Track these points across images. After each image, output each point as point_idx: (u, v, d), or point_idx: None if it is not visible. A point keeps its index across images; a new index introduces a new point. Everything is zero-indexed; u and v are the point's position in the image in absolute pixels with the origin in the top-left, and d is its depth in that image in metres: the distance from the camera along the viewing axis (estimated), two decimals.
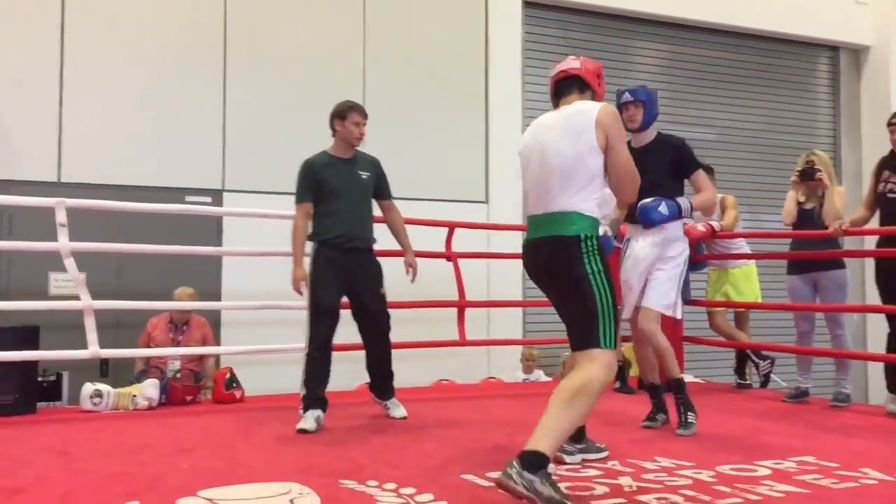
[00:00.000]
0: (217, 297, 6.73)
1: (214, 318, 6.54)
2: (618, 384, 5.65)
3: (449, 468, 3.25)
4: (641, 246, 4.29)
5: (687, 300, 5.72)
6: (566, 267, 3.02)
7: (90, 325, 4.88)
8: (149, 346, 5.73)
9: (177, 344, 5.73)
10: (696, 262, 5.76)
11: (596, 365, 2.88)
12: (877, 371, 7.39)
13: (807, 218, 5.37)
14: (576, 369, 2.92)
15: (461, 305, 5.90)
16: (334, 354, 4.40)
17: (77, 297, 4.95)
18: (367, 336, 4.51)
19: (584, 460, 3.41)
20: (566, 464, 3.32)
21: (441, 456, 3.50)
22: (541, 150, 3.19)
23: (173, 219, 6.03)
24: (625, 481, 3.05)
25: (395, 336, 4.87)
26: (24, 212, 5.50)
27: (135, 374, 5.64)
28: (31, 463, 3.39)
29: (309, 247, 4.41)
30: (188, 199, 6.77)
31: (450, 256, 5.96)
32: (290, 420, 4.21)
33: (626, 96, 4.36)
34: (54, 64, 6.65)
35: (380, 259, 4.59)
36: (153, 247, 5.46)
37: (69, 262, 4.86)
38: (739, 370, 6.27)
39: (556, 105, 3.37)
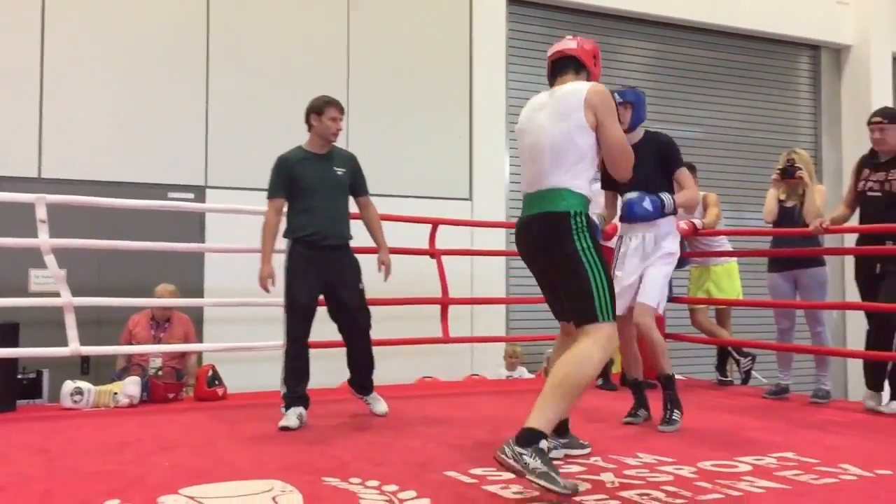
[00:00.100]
0: (200, 294, 6.70)
1: (197, 315, 6.51)
2: (600, 381, 5.67)
3: (432, 465, 3.25)
4: (635, 245, 4.31)
5: (669, 297, 5.75)
6: (556, 243, 3.08)
7: (71, 322, 4.84)
8: (130, 344, 5.70)
9: (158, 341, 5.69)
10: (678, 260, 5.79)
11: (591, 340, 2.95)
12: (856, 368, 7.48)
13: (787, 216, 5.41)
14: (574, 345, 2.98)
15: (445, 303, 5.90)
16: (317, 352, 4.40)
17: (57, 294, 4.91)
18: (346, 333, 4.46)
19: (566, 456, 3.42)
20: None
21: (424, 453, 3.50)
22: (533, 129, 3.27)
23: (155, 215, 5.99)
24: (607, 477, 3.07)
25: (378, 333, 4.85)
26: (4, 208, 5.44)
27: (116, 371, 5.60)
28: (10, 461, 3.36)
29: (285, 244, 4.36)
30: (170, 195, 6.74)
31: (433, 253, 5.96)
32: (273, 418, 4.20)
33: (616, 97, 4.36)
34: (34, 58, 6.58)
35: (361, 256, 4.57)
36: (135, 243, 5.42)
37: (49, 259, 4.82)
38: (721, 367, 6.32)
39: (552, 85, 3.39)
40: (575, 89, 3.19)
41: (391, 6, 7.81)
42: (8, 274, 6.21)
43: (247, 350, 5.71)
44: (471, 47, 8.07)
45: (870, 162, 4.93)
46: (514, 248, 8.28)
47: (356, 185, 4.53)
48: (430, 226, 6.04)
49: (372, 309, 4.54)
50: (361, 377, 4.57)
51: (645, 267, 4.27)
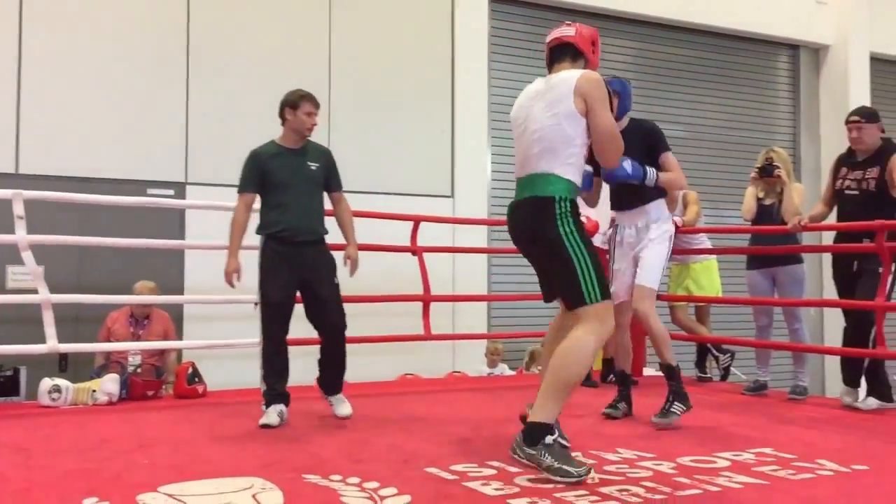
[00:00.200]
0: (180, 291, 6.66)
1: (177, 313, 6.47)
2: None
3: (413, 462, 3.25)
4: (629, 234, 4.31)
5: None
6: (541, 227, 3.14)
7: (48, 319, 4.80)
8: (109, 341, 5.65)
9: (137, 338, 5.65)
10: None
11: (583, 327, 3.04)
12: (833, 364, 7.54)
13: (766, 213, 5.46)
14: (569, 334, 3.08)
15: (426, 300, 5.90)
16: (297, 349, 4.37)
17: (35, 291, 4.86)
18: (322, 331, 4.33)
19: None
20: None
21: (405, 450, 3.50)
22: (525, 116, 3.31)
23: (135, 212, 5.95)
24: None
25: (360, 330, 4.84)
26: None
27: (94, 369, 5.56)
28: None
29: (258, 241, 4.29)
30: (150, 191, 6.69)
31: (415, 251, 5.96)
32: (253, 415, 4.18)
33: None
34: (12, 53, 6.51)
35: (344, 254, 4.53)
36: (114, 240, 5.38)
37: (27, 256, 4.78)
38: (700, 364, 6.36)
39: (550, 72, 3.41)
40: (567, 77, 3.22)
41: (373, 4, 7.79)
42: None
43: (227, 347, 5.69)
44: (453, 45, 8.08)
45: (847, 160, 4.98)
46: (495, 245, 8.36)
47: (330, 180, 4.43)
48: (411, 223, 6.04)
49: (354, 306, 4.51)
50: (332, 376, 4.42)
51: (638, 251, 4.24)
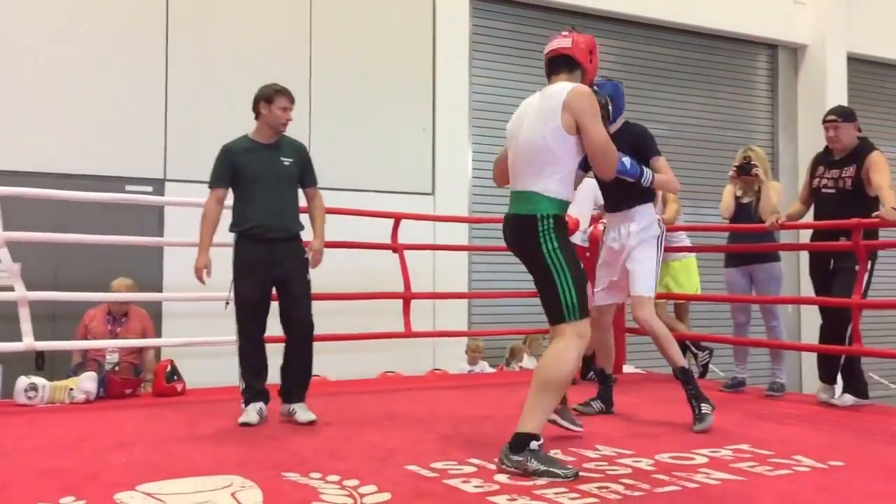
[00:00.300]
0: (158, 289, 6.61)
1: (156, 310, 6.42)
2: None
3: (393, 459, 3.25)
4: (614, 236, 4.30)
5: None
6: (524, 244, 3.21)
7: (25, 316, 4.75)
8: (86, 339, 5.61)
9: (115, 336, 5.61)
10: None
11: (563, 342, 3.12)
12: (810, 361, 7.63)
13: (744, 212, 5.50)
14: (549, 346, 3.18)
15: (407, 297, 5.90)
16: (277, 347, 4.33)
17: (11, 288, 4.81)
18: (288, 326, 4.21)
19: (555, 423, 3.61)
20: None
21: (385, 447, 3.50)
22: (518, 129, 3.32)
23: (113, 208, 5.90)
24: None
25: (340, 328, 4.84)
26: None
27: (72, 367, 5.50)
28: None
29: (232, 238, 4.22)
30: (128, 188, 6.63)
31: (396, 248, 5.95)
32: (233, 413, 4.16)
33: (593, 88, 4.37)
34: None
35: (326, 251, 4.50)
36: (91, 237, 5.33)
37: (3, 253, 4.72)
38: None
39: (549, 82, 3.40)
40: (556, 91, 3.21)
41: (354, 1, 7.76)
42: None
43: (205, 345, 5.65)
44: (434, 42, 8.06)
45: (824, 159, 5.02)
46: (476, 243, 8.35)
47: (304, 176, 4.34)
48: (392, 220, 6.03)
49: (335, 303, 4.48)
50: (298, 381, 4.23)
51: (628, 258, 4.22)
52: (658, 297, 6.20)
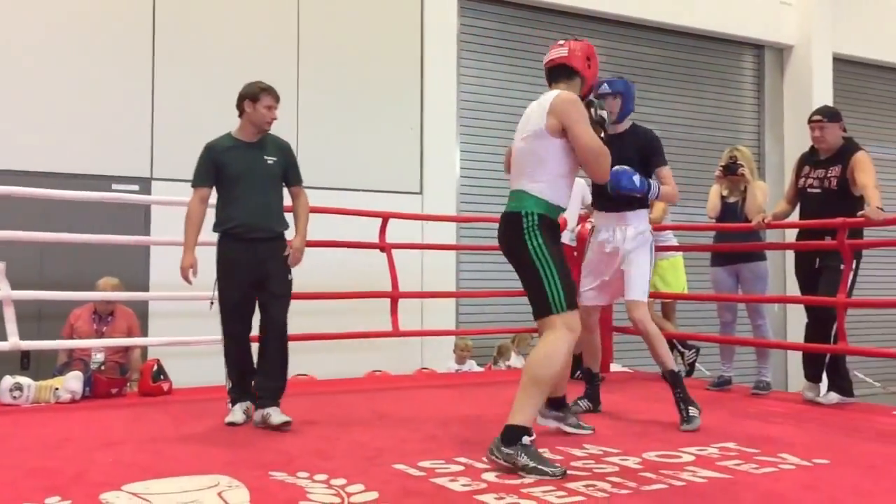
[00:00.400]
0: (145, 288, 6.58)
1: (142, 310, 6.39)
2: None
3: (381, 458, 3.25)
4: (607, 237, 4.29)
5: None
6: (511, 241, 3.31)
7: (10, 315, 4.72)
8: (72, 338, 5.57)
9: (101, 335, 5.58)
10: None
11: (553, 334, 3.17)
12: (796, 360, 7.67)
13: (730, 211, 5.53)
14: (539, 341, 3.22)
15: (395, 296, 5.89)
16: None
17: None
18: (262, 325, 4.11)
19: (558, 429, 3.71)
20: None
21: (373, 447, 3.50)
22: (519, 132, 3.48)
23: (100, 207, 5.86)
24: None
25: (328, 327, 4.81)
26: None
27: (57, 366, 5.47)
28: None
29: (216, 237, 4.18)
30: (115, 187, 6.60)
31: (384, 247, 5.95)
32: (219, 413, 4.15)
33: (605, 87, 4.36)
34: None
35: (313, 250, 4.49)
36: (77, 236, 5.30)
37: None
38: None
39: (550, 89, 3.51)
40: (548, 97, 3.35)
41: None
42: None
43: (192, 344, 5.63)
44: (422, 41, 8.06)
45: (810, 159, 5.05)
46: (464, 242, 8.36)
47: (289, 174, 4.28)
48: (380, 219, 6.02)
49: (322, 302, 4.45)
50: (270, 381, 4.07)
51: (624, 260, 4.23)
52: None
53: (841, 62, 10.49)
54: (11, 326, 4.71)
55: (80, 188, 5.60)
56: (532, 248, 3.23)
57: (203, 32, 7.13)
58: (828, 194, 4.86)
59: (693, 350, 6.32)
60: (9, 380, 4.77)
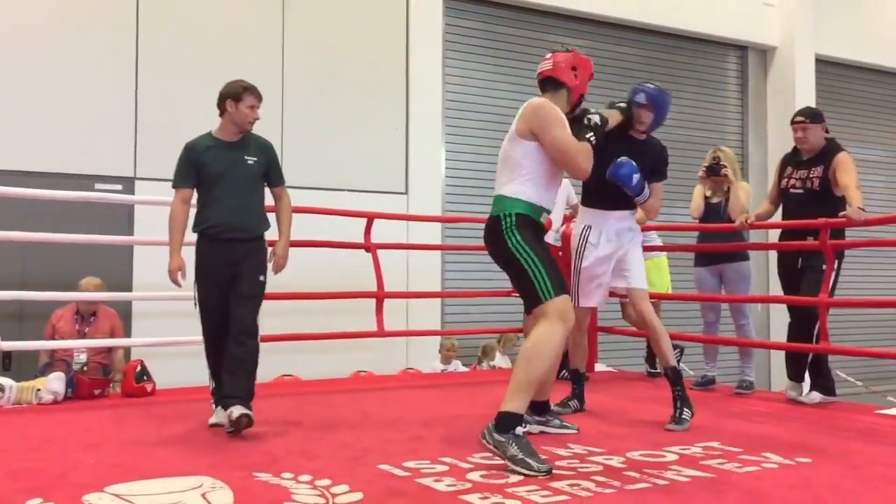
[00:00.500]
0: (128, 288, 6.54)
1: (125, 310, 6.36)
2: None
3: (365, 459, 3.25)
4: (608, 236, 4.30)
5: None
6: (495, 243, 3.42)
7: None
8: (53, 339, 5.53)
9: (83, 336, 5.55)
10: None
11: (546, 322, 3.21)
12: (779, 359, 7.72)
13: (713, 212, 5.56)
14: (533, 329, 3.26)
15: (380, 296, 5.89)
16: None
17: None
18: (232, 322, 3.98)
19: (542, 433, 3.71)
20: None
21: (358, 447, 3.49)
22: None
23: (82, 207, 5.82)
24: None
25: (313, 326, 4.78)
26: None
27: (39, 367, 5.43)
28: None
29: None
30: (98, 186, 6.55)
31: (369, 247, 5.94)
32: (203, 414, 4.13)
33: (641, 97, 4.31)
34: None
35: (298, 250, 4.46)
36: (60, 236, 5.26)
37: None
38: (650, 359, 6.44)
39: None
40: (525, 104, 3.48)
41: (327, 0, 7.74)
42: None
43: (176, 345, 5.60)
44: (407, 41, 8.06)
45: (792, 160, 5.08)
46: (449, 242, 8.35)
47: (270, 175, 4.20)
48: (365, 220, 6.01)
49: (307, 302, 4.42)
50: (236, 382, 3.87)
51: (626, 255, 4.28)
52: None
53: (823, 63, 10.58)
54: None
55: (62, 188, 5.56)
56: (512, 245, 3.32)
57: (187, 32, 7.10)
58: (810, 195, 4.89)
59: (677, 350, 6.31)
60: None
